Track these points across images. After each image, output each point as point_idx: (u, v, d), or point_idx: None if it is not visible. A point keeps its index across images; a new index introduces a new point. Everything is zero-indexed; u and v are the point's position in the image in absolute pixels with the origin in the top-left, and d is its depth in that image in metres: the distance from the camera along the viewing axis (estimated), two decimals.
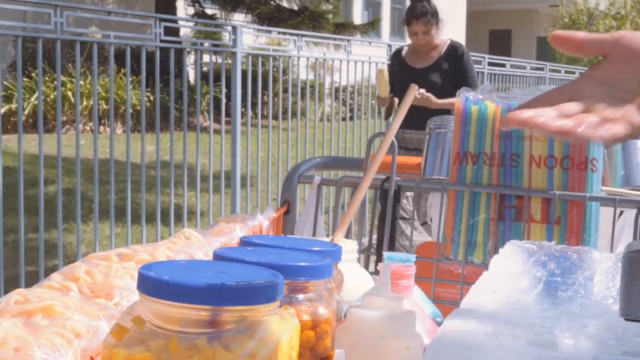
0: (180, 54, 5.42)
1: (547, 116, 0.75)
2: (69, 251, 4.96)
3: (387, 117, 6.22)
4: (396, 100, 5.50)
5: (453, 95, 5.27)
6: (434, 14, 5.38)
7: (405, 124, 5.12)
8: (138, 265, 0.91)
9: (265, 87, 5.98)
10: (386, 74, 5.41)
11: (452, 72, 5.42)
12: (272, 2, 14.75)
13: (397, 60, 5.69)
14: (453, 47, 5.51)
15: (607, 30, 26.59)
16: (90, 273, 0.91)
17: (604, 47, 0.83)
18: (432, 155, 1.39)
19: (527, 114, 0.75)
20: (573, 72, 12.76)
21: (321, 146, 6.66)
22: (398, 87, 5.38)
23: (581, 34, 0.79)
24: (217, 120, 6.37)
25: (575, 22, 26.61)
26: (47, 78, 8.75)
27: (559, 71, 12.53)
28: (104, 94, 8.21)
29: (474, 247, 1.27)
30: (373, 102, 7.82)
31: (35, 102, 6.64)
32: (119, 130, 9.64)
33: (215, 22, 11.92)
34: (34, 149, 4.72)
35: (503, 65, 10.50)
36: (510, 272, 0.94)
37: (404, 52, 5.67)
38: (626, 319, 0.68)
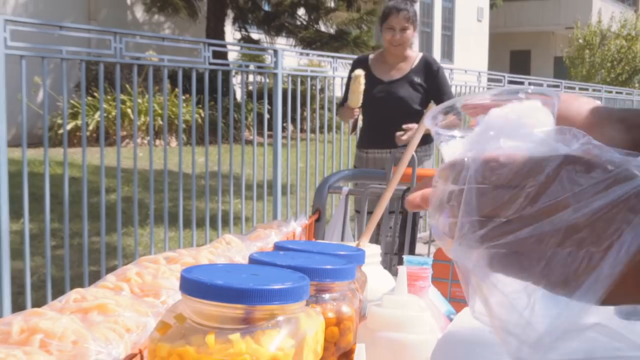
0: (227, 74, 5.48)
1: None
2: (127, 253, 5.01)
3: (352, 131, 5.05)
4: (358, 114, 4.42)
5: (422, 112, 4.06)
6: (415, 15, 4.33)
7: (369, 144, 4.40)
8: (183, 268, 0.93)
9: (304, 104, 6.00)
10: (363, 81, 4.17)
11: (425, 87, 4.31)
12: (311, 28, 14.81)
13: (362, 68, 4.35)
14: (427, 61, 4.40)
15: (618, 50, 26.24)
16: (140, 274, 0.93)
17: None
18: None
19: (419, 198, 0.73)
20: (587, 89, 12.60)
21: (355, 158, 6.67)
22: (362, 100, 4.26)
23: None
24: (260, 134, 6.41)
25: (589, 43, 26.28)
26: (108, 97, 8.86)
27: (573, 88, 12.38)
28: (159, 111, 8.24)
29: None
30: None
31: (98, 119, 6.72)
32: (173, 143, 9.70)
33: (259, 46, 11.98)
34: (96, 161, 4.78)
35: (522, 83, 10.43)
36: None
37: (370, 60, 4.49)
38: (619, 317, 0.68)
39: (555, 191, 0.50)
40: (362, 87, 4.10)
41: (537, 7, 31.88)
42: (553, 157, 0.51)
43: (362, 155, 4.49)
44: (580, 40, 26.52)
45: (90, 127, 9.78)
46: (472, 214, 0.53)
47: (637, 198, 0.48)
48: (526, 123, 0.55)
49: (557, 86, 11.86)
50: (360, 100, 4.15)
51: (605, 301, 0.49)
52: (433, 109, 0.62)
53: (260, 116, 7.02)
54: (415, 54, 4.40)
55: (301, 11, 14.67)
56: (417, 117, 3.94)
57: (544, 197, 0.50)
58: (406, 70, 4.29)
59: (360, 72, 4.10)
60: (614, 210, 0.48)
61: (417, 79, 4.24)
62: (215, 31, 14.06)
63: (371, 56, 4.53)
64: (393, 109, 4.18)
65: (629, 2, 35.89)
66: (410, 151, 1.18)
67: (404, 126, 3.93)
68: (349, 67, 7.48)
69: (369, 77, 4.24)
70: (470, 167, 0.54)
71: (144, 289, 0.90)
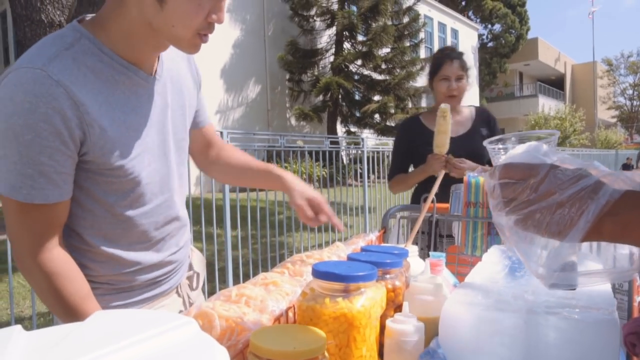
0: (338, 152, 5.52)
1: None
2: (289, 246, 5.08)
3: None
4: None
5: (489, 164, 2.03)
6: (466, 64, 2.11)
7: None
8: (314, 262, 0.95)
9: (379, 164, 5.97)
10: (449, 117, 1.73)
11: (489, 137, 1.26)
12: (382, 123, 14.72)
13: (416, 129, 2.12)
14: (484, 111, 2.21)
15: (555, 126, 24.74)
16: (293, 264, 0.94)
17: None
18: (454, 203, 1.30)
19: None
20: None
21: (410, 191, 6.53)
22: (421, 159, 1.99)
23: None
24: (356, 180, 6.40)
25: (537, 122, 24.89)
26: (278, 165, 9.10)
27: None
28: (304, 171, 8.47)
29: (476, 247, 1.20)
30: None
31: None
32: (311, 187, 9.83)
33: (354, 136, 11.98)
34: (272, 197, 4.89)
35: None
36: (492, 262, 0.91)
37: (422, 120, 2.13)
38: (549, 288, 0.65)
39: (548, 184, 0.51)
40: (450, 125, 1.77)
41: (507, 105, 30.50)
42: (543, 165, 0.52)
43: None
44: (532, 122, 25.17)
45: None
46: (499, 197, 0.54)
47: (594, 186, 0.49)
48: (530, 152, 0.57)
49: None
50: (447, 144, 1.80)
51: (581, 241, 0.50)
52: (494, 137, 0.65)
53: (356, 171, 7.05)
54: (469, 108, 2.20)
55: (377, 116, 14.65)
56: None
57: (542, 187, 0.51)
58: (469, 123, 2.11)
59: (447, 106, 1.76)
60: (582, 193, 0.49)
61: (484, 131, 2.10)
62: (332, 128, 14.23)
63: (421, 116, 2.17)
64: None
65: (560, 99, 33.81)
66: (433, 193, 1.16)
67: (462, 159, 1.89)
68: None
69: (427, 135, 1.91)
70: (496, 169, 0.55)
71: (295, 272, 0.91)
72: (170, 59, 0.97)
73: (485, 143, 0.68)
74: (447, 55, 2.08)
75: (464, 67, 2.08)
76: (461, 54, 2.12)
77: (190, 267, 1.15)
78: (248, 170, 1.15)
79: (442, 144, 1.79)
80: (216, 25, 0.84)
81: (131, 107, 0.87)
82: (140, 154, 0.88)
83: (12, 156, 0.76)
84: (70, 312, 0.84)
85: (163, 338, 0.37)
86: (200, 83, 1.07)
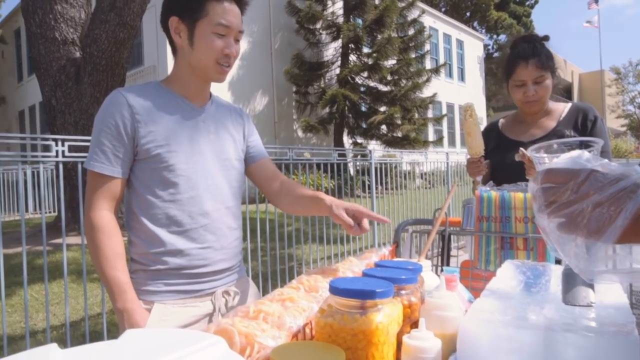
0: (346, 164, 5.53)
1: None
2: (298, 258, 5.07)
3: (475, 189, 1.50)
4: (484, 166, 1.74)
5: None
6: (549, 57, 1.71)
7: None
8: (330, 277, 0.96)
9: (386, 175, 5.97)
10: (475, 115, 1.68)
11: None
12: (389, 135, 14.71)
13: (491, 134, 1.88)
14: (579, 109, 1.75)
15: None
16: (308, 280, 0.94)
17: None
18: (467, 217, 1.29)
19: None
20: None
21: (418, 202, 6.52)
22: (495, 168, 1.79)
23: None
24: (364, 192, 6.41)
25: None
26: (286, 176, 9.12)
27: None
28: (311, 182, 8.47)
29: (489, 262, 1.18)
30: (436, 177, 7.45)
31: None
32: None
33: (361, 149, 11.97)
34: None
35: None
36: (507, 277, 0.90)
37: (500, 124, 1.90)
38: (565, 304, 0.66)
39: (588, 186, 0.52)
40: (476, 123, 1.71)
41: None
42: (584, 169, 0.54)
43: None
44: None
45: None
46: (541, 201, 0.56)
47: (633, 187, 0.50)
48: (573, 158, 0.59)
49: None
50: (482, 145, 1.74)
51: (618, 242, 0.51)
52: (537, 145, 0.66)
53: (363, 183, 7.05)
54: (562, 106, 1.83)
55: (383, 127, 14.66)
56: None
57: (582, 189, 0.52)
58: (552, 124, 1.78)
59: (470, 103, 1.71)
60: (621, 193, 0.51)
61: (569, 132, 1.74)
62: (338, 140, 14.24)
63: (501, 120, 1.95)
64: None
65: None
66: (445, 207, 1.16)
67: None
68: (409, 155, 7.34)
69: (502, 140, 1.85)
70: (539, 174, 0.57)
71: (311, 288, 0.92)
72: (222, 108, 1.34)
73: (530, 151, 0.70)
74: (520, 56, 1.71)
75: (543, 65, 1.71)
76: (541, 47, 1.72)
77: (238, 287, 1.32)
78: (303, 199, 1.30)
79: (472, 145, 1.68)
80: (236, 54, 1.21)
81: (174, 121, 1.20)
82: (176, 151, 1.17)
83: (93, 139, 1.17)
84: (100, 265, 1.11)
85: (194, 357, 0.37)
86: (250, 130, 1.39)
